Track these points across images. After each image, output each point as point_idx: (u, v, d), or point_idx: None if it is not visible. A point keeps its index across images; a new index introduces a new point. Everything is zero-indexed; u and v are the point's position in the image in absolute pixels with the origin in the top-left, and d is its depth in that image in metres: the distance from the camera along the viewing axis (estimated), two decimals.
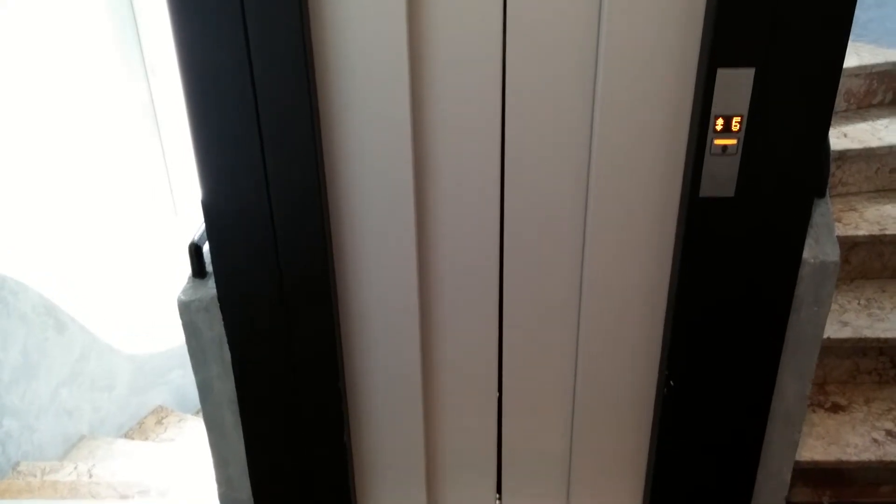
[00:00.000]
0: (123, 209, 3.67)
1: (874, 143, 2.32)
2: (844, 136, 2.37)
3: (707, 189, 1.23)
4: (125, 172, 3.66)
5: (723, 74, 1.15)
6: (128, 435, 3.77)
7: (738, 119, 1.17)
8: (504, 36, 1.21)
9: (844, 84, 2.53)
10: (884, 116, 2.51)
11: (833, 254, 1.28)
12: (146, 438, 3.76)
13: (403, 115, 1.24)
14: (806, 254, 1.28)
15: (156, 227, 3.83)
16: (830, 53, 1.13)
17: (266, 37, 1.14)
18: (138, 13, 3.54)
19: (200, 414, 1.58)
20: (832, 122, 1.50)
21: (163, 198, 3.91)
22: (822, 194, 1.32)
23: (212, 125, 1.21)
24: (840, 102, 2.56)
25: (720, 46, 1.13)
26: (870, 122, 2.46)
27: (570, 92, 1.24)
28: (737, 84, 1.16)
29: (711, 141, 1.19)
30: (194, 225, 1.41)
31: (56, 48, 3.22)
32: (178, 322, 1.40)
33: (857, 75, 2.53)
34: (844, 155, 2.31)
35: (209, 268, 1.40)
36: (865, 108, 2.59)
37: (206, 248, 1.38)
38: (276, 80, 1.17)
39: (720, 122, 1.18)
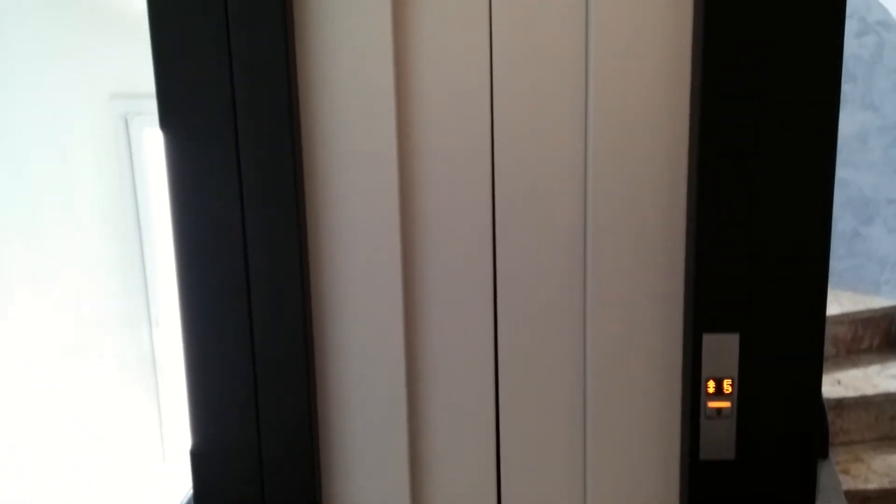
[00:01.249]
0: (110, 458, 3.55)
1: (869, 391, 2.33)
2: (839, 384, 2.38)
3: (707, 452, 1.21)
4: (115, 418, 3.60)
5: (708, 339, 1.18)
6: None
7: (729, 382, 1.19)
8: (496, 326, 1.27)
9: (830, 331, 2.59)
10: (875, 362, 2.54)
11: None
12: None
13: (398, 362, 1.25)
14: None
15: (142, 477, 3.68)
16: (811, 312, 1.17)
17: (269, 303, 1.20)
18: (147, 263, 3.71)
19: None
20: (824, 370, 1.51)
21: (152, 446, 3.81)
22: (824, 455, 1.30)
23: (206, 386, 1.22)
24: (829, 348, 2.60)
25: (702, 314, 1.17)
26: (861, 369, 2.49)
27: (561, 357, 1.26)
28: (723, 348, 1.19)
29: (705, 404, 1.19)
30: (181, 478, 1.37)
31: (60, 286, 3.32)
32: None
33: (841, 322, 2.60)
34: (841, 403, 2.30)
35: None
36: (855, 353, 2.63)
37: None
38: (276, 342, 1.20)
39: (711, 385, 1.19)
